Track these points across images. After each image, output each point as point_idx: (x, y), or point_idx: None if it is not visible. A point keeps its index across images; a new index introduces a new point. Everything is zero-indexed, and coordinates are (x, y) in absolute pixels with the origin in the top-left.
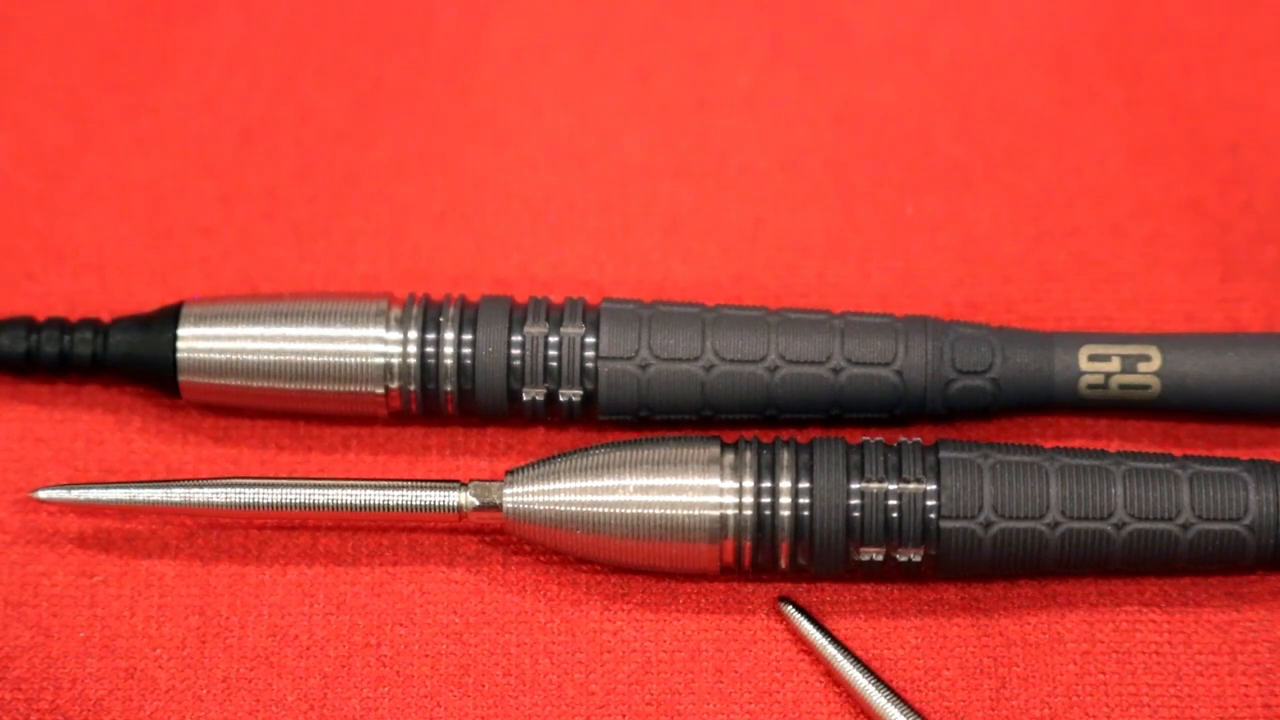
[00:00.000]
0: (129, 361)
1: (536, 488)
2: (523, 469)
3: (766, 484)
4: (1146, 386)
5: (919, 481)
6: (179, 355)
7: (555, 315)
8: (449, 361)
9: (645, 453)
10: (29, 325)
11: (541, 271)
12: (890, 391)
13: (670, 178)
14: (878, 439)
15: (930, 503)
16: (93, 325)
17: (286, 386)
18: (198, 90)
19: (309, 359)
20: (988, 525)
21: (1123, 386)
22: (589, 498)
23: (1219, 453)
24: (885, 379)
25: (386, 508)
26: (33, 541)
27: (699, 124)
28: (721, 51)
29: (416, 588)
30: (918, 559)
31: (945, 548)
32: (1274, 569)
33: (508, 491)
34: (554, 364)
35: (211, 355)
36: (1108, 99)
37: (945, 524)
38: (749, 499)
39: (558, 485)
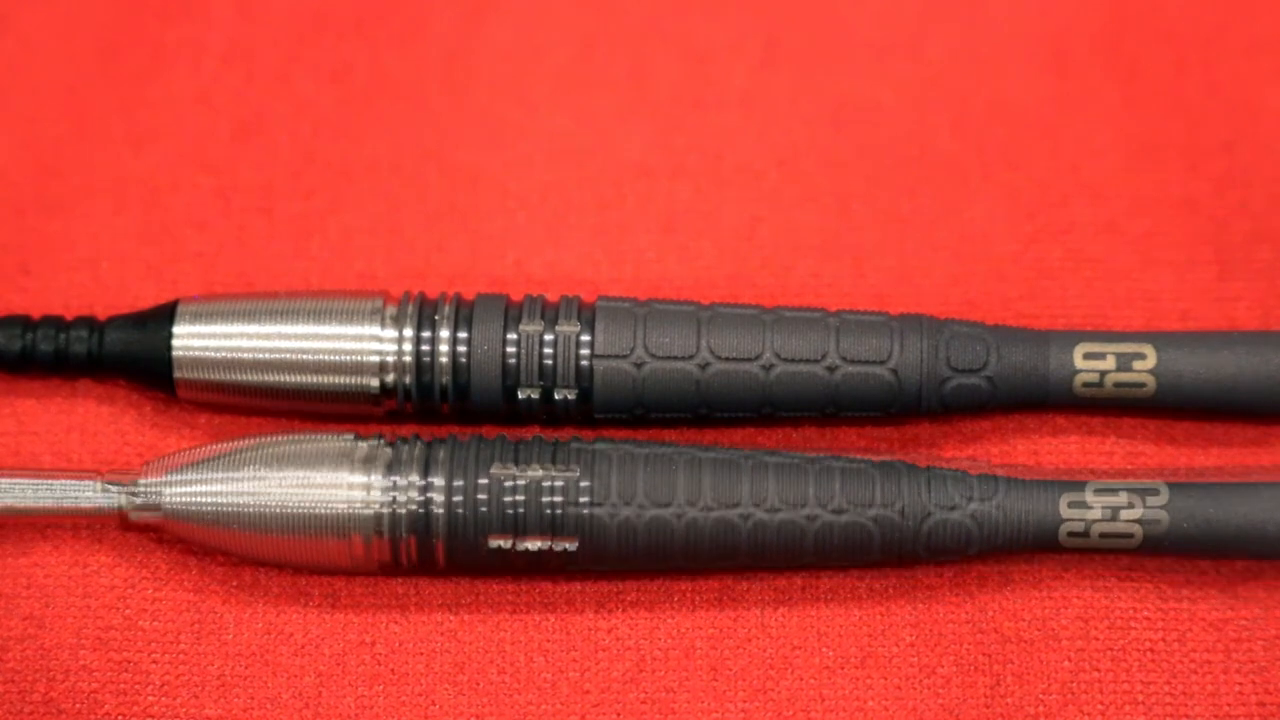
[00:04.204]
0: (124, 359)
1: (195, 489)
2: (162, 461)
3: (415, 479)
4: (1142, 384)
5: (562, 469)
6: (174, 353)
7: (550, 313)
8: (444, 359)
9: (280, 449)
10: (24, 323)
11: (537, 270)
12: (885, 390)
13: (666, 176)
14: (536, 435)
15: (559, 485)
16: (88, 323)
17: (282, 385)
18: (193, 87)
19: (304, 357)
20: (618, 511)
21: (1118, 384)
22: (242, 498)
23: (1214, 451)
24: (880, 377)
25: (32, 511)
26: (26, 533)
27: (695, 123)
28: (717, 50)
29: (411, 586)
30: (572, 548)
31: (586, 537)
32: (902, 564)
33: (168, 493)
34: (549, 362)
35: (207, 353)
36: (1104, 98)
37: (582, 511)
38: (386, 492)
39: (213, 488)
